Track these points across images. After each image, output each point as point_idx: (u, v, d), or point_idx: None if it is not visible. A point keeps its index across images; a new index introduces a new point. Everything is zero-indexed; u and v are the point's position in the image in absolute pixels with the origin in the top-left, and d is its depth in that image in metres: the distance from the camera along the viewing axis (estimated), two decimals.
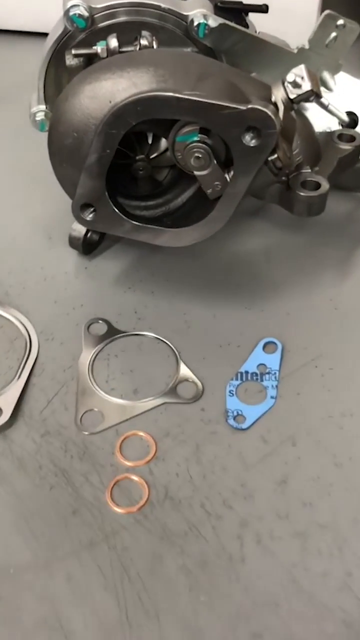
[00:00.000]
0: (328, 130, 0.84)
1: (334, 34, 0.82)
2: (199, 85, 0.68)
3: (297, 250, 0.87)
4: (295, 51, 0.84)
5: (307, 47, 0.84)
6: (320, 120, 0.83)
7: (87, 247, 0.85)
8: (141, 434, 0.69)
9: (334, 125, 0.85)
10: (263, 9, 0.90)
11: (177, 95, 0.66)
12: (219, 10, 0.86)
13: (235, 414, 0.70)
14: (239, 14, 0.90)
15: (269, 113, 0.64)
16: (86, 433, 0.69)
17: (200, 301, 0.82)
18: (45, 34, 0.84)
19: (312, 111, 0.82)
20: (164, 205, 0.81)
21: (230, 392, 0.72)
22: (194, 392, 0.73)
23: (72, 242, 0.84)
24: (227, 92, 0.69)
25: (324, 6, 1.18)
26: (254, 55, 0.83)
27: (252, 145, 0.66)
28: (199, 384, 0.73)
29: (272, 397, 0.72)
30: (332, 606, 0.57)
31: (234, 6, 0.89)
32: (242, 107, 0.64)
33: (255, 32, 0.90)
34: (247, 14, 0.92)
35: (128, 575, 0.59)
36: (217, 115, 0.65)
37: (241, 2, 0.90)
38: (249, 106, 0.64)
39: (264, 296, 0.82)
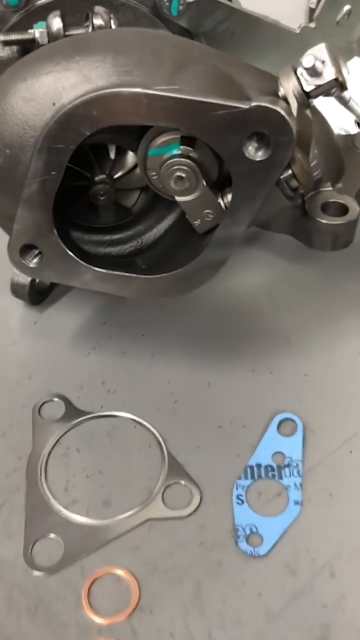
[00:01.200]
0: (343, 132, 0.65)
1: (347, 8, 0.63)
2: (178, 77, 0.49)
3: (310, 287, 0.68)
4: (298, 31, 0.65)
5: (312, 25, 0.64)
6: (333, 120, 0.64)
7: (36, 295, 0.66)
8: (118, 571, 0.49)
9: (349, 125, 0.66)
10: None
11: (147, 91, 0.46)
12: None
13: (247, 531, 0.51)
14: None
15: (282, 112, 0.45)
16: (39, 573, 0.49)
17: (189, 363, 0.62)
18: None
19: (320, 107, 0.62)
20: (135, 239, 0.61)
21: (238, 497, 0.53)
22: (189, 501, 0.53)
23: (16, 289, 0.64)
24: (217, 85, 0.49)
25: None
26: (245, 38, 0.64)
27: (258, 159, 0.46)
28: (195, 487, 0.53)
29: (296, 503, 0.53)
30: None
31: None
32: (244, 106, 0.45)
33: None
34: None
35: None
36: (207, 117, 0.46)
37: None
38: (254, 104, 0.45)
39: (273, 352, 0.63)
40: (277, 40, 0.64)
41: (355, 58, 0.68)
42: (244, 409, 0.58)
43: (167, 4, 0.61)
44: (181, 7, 0.61)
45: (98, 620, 0.47)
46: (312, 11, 0.75)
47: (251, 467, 0.55)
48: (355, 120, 0.65)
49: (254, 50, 0.64)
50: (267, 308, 0.66)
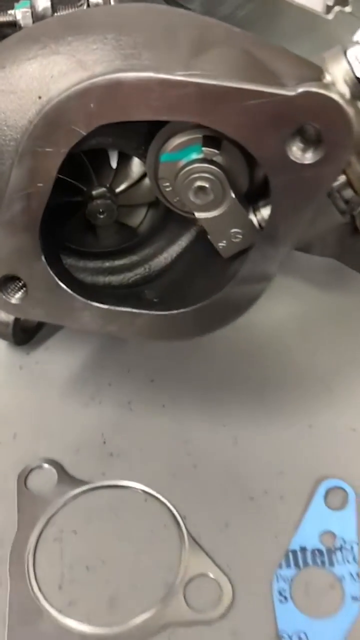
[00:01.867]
0: None
1: None
2: (198, 61, 0.38)
3: (351, 321, 0.57)
4: (330, 17, 0.55)
5: (347, 9, 0.54)
6: None
7: (21, 334, 0.55)
8: None
9: None
10: None
11: (162, 76, 0.35)
12: None
13: (295, 639, 0.39)
14: None
15: (339, 100, 0.34)
16: None
17: (208, 416, 0.51)
18: None
19: None
20: (142, 265, 0.51)
21: (280, 593, 0.42)
22: (218, 598, 0.42)
23: None
24: (248, 70, 0.39)
25: None
26: (269, 25, 0.54)
27: (306, 162, 0.36)
28: (225, 580, 0.42)
29: (354, 599, 0.41)
30: None
31: None
32: (289, 92, 0.34)
33: None
34: None
35: None
36: (240, 109, 0.35)
37: None
38: (301, 89, 0.34)
39: (310, 401, 0.52)
40: (307, 27, 0.54)
41: None
42: (280, 474, 0.47)
43: None
44: None
45: None
46: (328, 8, 0.66)
47: (294, 552, 0.43)
48: None
49: (280, 39, 0.54)
50: (300, 346, 0.55)
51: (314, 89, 0.35)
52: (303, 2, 0.55)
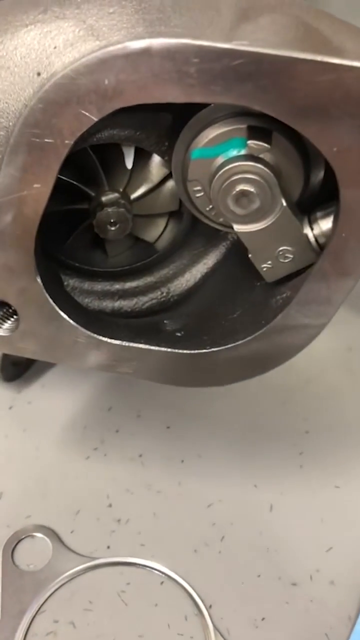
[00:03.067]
0: None
1: None
2: (244, 29, 0.30)
3: None
4: None
5: None
6: None
7: (12, 368, 0.46)
8: None
9: None
10: None
11: (201, 42, 0.27)
12: None
13: None
14: None
15: None
16: None
17: (239, 475, 0.42)
18: None
19: None
20: (159, 288, 0.43)
21: None
22: None
23: None
24: (307, 42, 0.30)
25: None
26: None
27: None
28: None
29: None
30: None
31: None
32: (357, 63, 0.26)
33: None
34: None
35: None
36: (306, 87, 0.26)
37: None
38: None
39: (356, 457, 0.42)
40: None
41: None
42: (329, 551, 0.38)
43: None
44: None
45: None
46: None
47: None
48: None
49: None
50: (348, 386, 0.46)
51: None
52: None
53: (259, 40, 0.30)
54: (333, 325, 0.49)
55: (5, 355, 0.45)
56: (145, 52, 0.28)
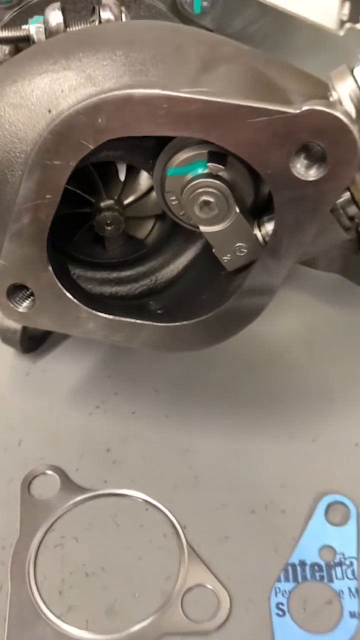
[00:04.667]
0: None
1: None
2: (206, 78, 0.39)
3: (355, 336, 0.57)
4: (341, 33, 0.55)
5: (359, 27, 0.55)
6: None
7: (29, 341, 0.57)
8: None
9: None
10: None
11: (168, 93, 0.36)
12: None
13: None
14: None
15: (343, 118, 0.35)
16: None
17: (211, 428, 0.52)
18: None
19: None
20: (148, 277, 0.52)
21: (278, 607, 0.42)
22: (215, 610, 0.42)
23: (5, 335, 0.55)
24: (254, 88, 0.40)
25: None
26: (280, 41, 0.54)
27: (310, 179, 0.36)
28: (223, 591, 0.42)
29: (351, 615, 0.41)
30: None
31: None
32: (293, 110, 0.35)
33: None
34: None
35: None
36: (244, 127, 0.36)
37: None
38: (305, 107, 0.35)
39: (314, 415, 0.53)
40: (318, 43, 0.55)
41: None
42: (282, 488, 0.48)
43: (188, 1, 0.51)
44: (205, 4, 0.52)
45: None
46: (342, 23, 0.66)
47: (293, 566, 0.43)
48: None
49: (291, 55, 0.55)
50: (305, 359, 0.56)
51: (318, 107, 0.35)
52: (315, 18, 0.55)
53: (213, 88, 0.39)
54: (296, 311, 0.59)
55: (23, 331, 0.54)
56: (128, 99, 0.38)
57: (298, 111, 0.35)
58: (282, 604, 0.42)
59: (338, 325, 0.58)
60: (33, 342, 0.56)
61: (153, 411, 0.53)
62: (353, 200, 0.39)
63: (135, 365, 0.56)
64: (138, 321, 0.44)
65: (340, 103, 0.40)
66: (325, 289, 0.59)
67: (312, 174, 0.36)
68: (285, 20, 0.54)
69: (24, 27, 0.47)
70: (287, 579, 0.43)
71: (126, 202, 0.49)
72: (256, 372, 0.55)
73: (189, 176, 0.41)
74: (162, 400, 0.53)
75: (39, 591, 0.43)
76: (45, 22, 0.46)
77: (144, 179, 0.49)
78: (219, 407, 0.53)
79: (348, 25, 0.56)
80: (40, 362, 0.56)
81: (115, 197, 0.49)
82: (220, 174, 0.40)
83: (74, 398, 0.54)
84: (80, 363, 0.56)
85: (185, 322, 0.44)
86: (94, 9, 0.47)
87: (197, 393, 0.54)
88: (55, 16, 0.46)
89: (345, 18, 0.65)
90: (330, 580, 0.43)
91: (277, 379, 0.55)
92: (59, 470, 0.49)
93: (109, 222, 0.49)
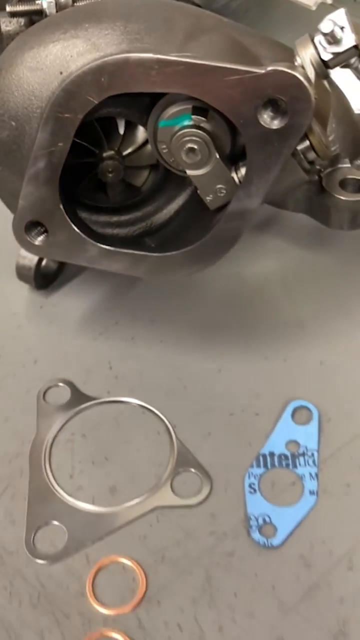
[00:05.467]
0: None
1: None
2: (190, 45, 0.47)
3: (325, 274, 0.65)
4: (314, 8, 0.63)
5: (329, 1, 0.62)
6: (353, 96, 0.62)
7: (42, 279, 0.65)
8: (124, 560, 0.47)
9: None
10: None
11: (158, 56, 0.44)
12: None
13: (260, 522, 0.48)
14: None
15: (300, 77, 0.43)
16: (42, 562, 0.47)
17: (199, 350, 0.60)
18: None
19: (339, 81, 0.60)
20: (144, 220, 0.60)
21: (250, 486, 0.50)
22: (198, 488, 0.51)
23: (21, 273, 0.63)
24: (231, 53, 0.48)
25: None
26: (259, 15, 0.62)
27: (274, 127, 0.44)
28: (205, 475, 0.51)
29: (311, 493, 0.50)
30: None
31: None
32: (259, 70, 0.43)
33: None
34: None
35: None
36: (220, 84, 0.44)
37: None
38: (270, 68, 0.43)
39: (287, 340, 0.61)
40: (293, 17, 0.62)
41: None
42: (256, 396, 0.56)
43: None
44: None
45: (103, 610, 0.45)
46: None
47: (264, 456, 0.52)
48: None
49: (269, 28, 0.62)
50: (281, 295, 0.64)
51: (280, 68, 0.43)
52: None
53: (196, 53, 0.47)
54: (275, 254, 0.67)
55: (36, 269, 0.63)
56: (126, 62, 0.45)
57: (264, 71, 0.43)
58: (254, 484, 0.51)
59: (310, 266, 0.66)
60: (46, 279, 0.64)
61: (149, 337, 0.61)
62: (311, 147, 0.47)
63: (133, 300, 0.64)
64: (135, 252, 0.53)
65: (302, 66, 0.48)
66: (299, 235, 0.67)
67: (276, 124, 0.45)
68: None
69: (37, 1, 0.55)
70: (258, 466, 0.52)
71: (125, 153, 0.57)
72: (238, 306, 0.63)
73: (177, 127, 0.49)
74: (157, 328, 0.62)
75: (53, 475, 0.52)
76: None
77: (140, 133, 0.56)
78: (206, 334, 0.61)
79: (320, 0, 0.64)
80: (52, 297, 0.65)
81: (116, 149, 0.56)
82: (202, 125, 0.48)
83: (81, 326, 0.62)
84: (86, 298, 0.64)
85: (175, 252, 0.52)
86: None
87: (187, 323, 0.62)
88: None
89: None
90: (295, 466, 0.52)
91: (255, 311, 0.63)
92: (69, 383, 0.57)
93: (110, 170, 0.56)
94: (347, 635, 0.44)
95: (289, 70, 0.43)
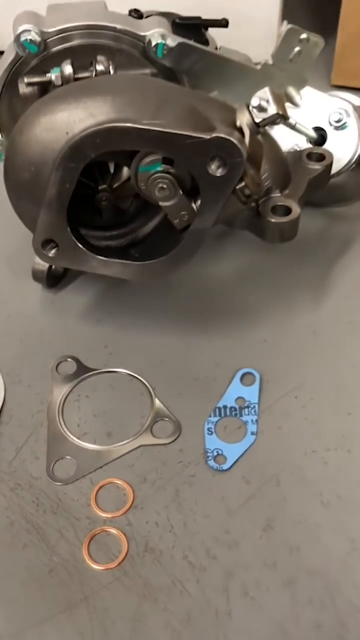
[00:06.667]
0: (296, 148, 0.81)
1: (297, 49, 0.80)
2: (160, 113, 0.65)
3: (271, 273, 0.84)
4: (259, 67, 0.81)
5: (270, 62, 0.81)
6: (288, 138, 0.81)
7: (52, 280, 0.81)
8: (117, 481, 0.66)
9: (302, 142, 0.82)
10: (223, 23, 0.87)
11: (136, 126, 0.62)
12: (177, 28, 0.83)
13: (215, 453, 0.67)
14: (198, 29, 0.87)
15: (235, 141, 0.61)
16: (59, 484, 0.66)
17: (173, 332, 0.78)
18: None
19: (278, 128, 0.78)
20: (130, 235, 0.78)
21: (208, 429, 0.69)
22: (171, 432, 0.69)
23: (36, 275, 0.81)
24: (189, 119, 0.66)
25: (284, 14, 1.16)
26: (216, 74, 0.80)
27: (218, 175, 0.63)
28: (176, 422, 0.70)
29: (252, 434, 0.69)
30: None
31: (193, 22, 0.86)
32: (206, 136, 0.61)
33: (216, 47, 0.87)
34: (206, 29, 0.89)
35: (110, 637, 0.56)
36: (180, 145, 0.62)
37: (200, 18, 0.87)
38: (213, 135, 0.61)
39: (239, 324, 0.79)
40: (242, 75, 0.80)
41: (307, 87, 0.84)
42: (215, 366, 0.75)
43: (153, 49, 0.77)
44: (165, 51, 0.77)
45: (103, 515, 0.63)
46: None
47: (219, 408, 0.71)
48: (306, 139, 0.82)
49: (224, 83, 0.80)
50: (235, 289, 0.82)
51: (221, 135, 0.62)
52: (237, 59, 0.81)
53: (164, 121, 0.65)
54: (232, 256, 0.86)
55: (48, 273, 0.81)
56: (113, 129, 0.64)
57: (209, 137, 0.62)
58: (211, 428, 0.70)
59: (257, 266, 0.84)
60: (55, 279, 0.82)
61: (135, 323, 0.79)
62: (246, 186, 0.66)
63: (122, 295, 0.82)
64: (123, 261, 0.72)
65: (242, 127, 0.67)
66: (249, 243, 0.83)
67: (219, 172, 0.63)
68: (218, 60, 0.80)
69: (47, 74, 0.73)
70: (215, 415, 0.71)
71: (114, 186, 0.73)
72: (202, 298, 0.82)
73: (151, 172, 0.66)
74: (142, 316, 0.80)
75: (65, 425, 0.70)
76: (61, 72, 0.72)
77: (125, 171, 0.74)
78: (179, 320, 0.79)
79: (262, 61, 0.82)
80: (60, 294, 0.82)
81: (108, 183, 0.74)
82: (169, 170, 0.66)
83: (82, 315, 0.80)
84: (86, 294, 0.82)
85: (153, 261, 0.71)
86: (92, 62, 0.73)
87: (163, 311, 0.80)
88: (67, 69, 0.72)
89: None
90: (241, 415, 0.71)
91: (216, 302, 0.81)
92: (74, 358, 0.75)
93: (104, 199, 0.74)
94: (273, 528, 0.62)
95: (227, 137, 0.61)
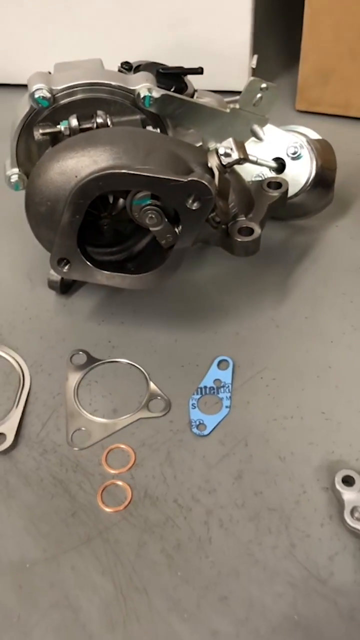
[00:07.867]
0: (260, 177, 1.00)
1: (259, 95, 0.98)
2: (148, 160, 0.83)
3: (241, 278, 1.02)
4: (228, 111, 0.99)
5: (237, 107, 0.99)
6: (253, 169, 0.99)
7: (64, 288, 0.98)
8: (122, 446, 0.85)
9: (265, 171, 1.01)
10: (199, 71, 1.05)
11: (130, 172, 0.80)
12: (160, 77, 1.01)
13: (197, 423, 0.86)
14: (179, 76, 1.05)
15: (206, 183, 0.79)
16: (77, 449, 0.85)
17: (163, 328, 0.95)
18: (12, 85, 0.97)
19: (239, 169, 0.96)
20: (126, 251, 0.95)
21: (192, 405, 0.88)
22: (163, 407, 0.88)
23: (51, 284, 0.99)
24: (171, 163, 0.84)
25: (254, 48, 1.33)
26: (193, 117, 0.98)
27: (194, 208, 0.81)
28: (167, 399, 0.89)
29: (226, 407, 0.88)
30: (281, 571, 0.74)
31: (174, 71, 1.04)
32: (184, 180, 0.80)
33: (194, 90, 1.05)
34: (185, 75, 1.07)
35: (120, 560, 0.75)
36: (164, 186, 0.80)
37: (180, 67, 1.04)
38: (189, 179, 0.79)
39: (216, 320, 0.95)
40: (215, 117, 0.98)
41: (269, 125, 1.02)
42: (197, 355, 0.93)
43: (142, 100, 0.94)
44: (151, 101, 0.94)
45: (111, 471, 0.82)
46: (253, 70, 1.09)
47: (200, 388, 0.90)
48: (268, 169, 1.00)
49: (200, 124, 0.99)
50: (213, 291, 0.98)
51: (195, 178, 0.80)
52: (212, 102, 0.99)
53: (152, 166, 0.83)
54: (211, 266, 1.04)
55: (61, 282, 0.98)
56: (112, 174, 0.82)
57: (186, 180, 0.80)
58: (195, 404, 0.88)
59: (232, 273, 1.02)
60: (66, 287, 0.98)
61: (133, 322, 0.98)
62: (217, 214, 0.84)
63: (122, 299, 1.00)
64: (122, 274, 0.90)
65: (212, 167, 0.85)
66: (225, 254, 1.04)
67: (195, 206, 0.81)
68: (195, 106, 0.98)
69: (58, 126, 0.91)
70: (197, 394, 0.89)
71: (113, 213, 0.92)
72: (187, 299, 1.00)
73: (142, 204, 0.84)
74: (138, 316, 0.99)
75: (80, 403, 0.89)
76: (69, 124, 0.90)
77: (121, 202, 0.93)
78: (169, 318, 0.97)
79: (231, 105, 1.00)
80: (70, 299, 1.00)
81: (108, 211, 0.93)
82: (157, 203, 0.85)
83: (90, 316, 0.98)
84: (92, 299, 1.00)
85: (145, 274, 0.89)
86: (92, 115, 0.91)
87: (157, 312, 0.98)
88: (73, 122, 0.89)
89: (254, 66, 1.09)
90: (218, 393, 0.89)
91: (198, 302, 0.99)
92: (85, 351, 0.93)
93: (105, 223, 0.92)
94: (242, 478, 0.81)
95: (200, 180, 0.79)
